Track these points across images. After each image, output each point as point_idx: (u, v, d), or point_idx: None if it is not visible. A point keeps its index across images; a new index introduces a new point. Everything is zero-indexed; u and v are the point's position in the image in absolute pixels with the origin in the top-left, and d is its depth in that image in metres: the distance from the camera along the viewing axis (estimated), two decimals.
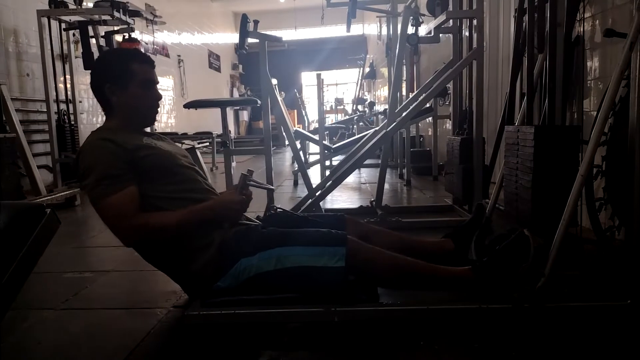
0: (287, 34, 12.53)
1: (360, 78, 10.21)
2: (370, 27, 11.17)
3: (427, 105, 4.16)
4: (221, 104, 2.79)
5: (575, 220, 1.73)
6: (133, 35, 5.60)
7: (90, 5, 4.87)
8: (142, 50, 6.10)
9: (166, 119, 8.47)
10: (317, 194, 2.65)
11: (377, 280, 1.51)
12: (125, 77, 1.49)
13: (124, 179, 1.38)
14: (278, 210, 1.71)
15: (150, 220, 1.40)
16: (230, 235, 1.49)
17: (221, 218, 1.50)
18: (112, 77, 1.49)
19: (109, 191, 1.36)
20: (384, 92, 9.16)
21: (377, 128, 3.32)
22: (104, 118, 1.58)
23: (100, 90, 1.50)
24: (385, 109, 4.55)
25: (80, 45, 4.90)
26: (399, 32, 3.19)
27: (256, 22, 2.67)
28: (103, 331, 1.48)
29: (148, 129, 1.66)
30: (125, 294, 1.82)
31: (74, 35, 5.04)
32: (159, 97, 1.57)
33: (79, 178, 1.44)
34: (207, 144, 5.83)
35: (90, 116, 5.85)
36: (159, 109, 1.59)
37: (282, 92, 6.37)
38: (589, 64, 2.29)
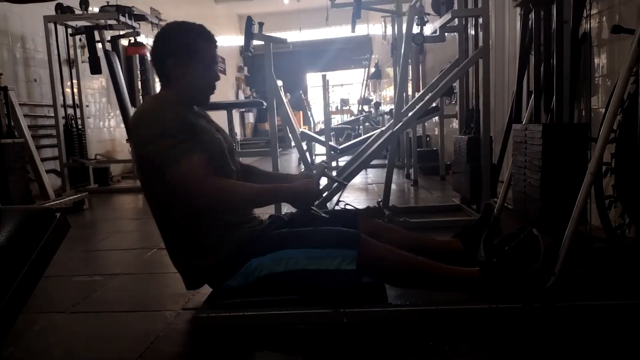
0: (292, 36, 12.54)
1: (365, 78, 10.20)
2: (375, 27, 11.15)
3: (434, 104, 4.14)
4: (227, 106, 2.80)
5: (585, 219, 1.72)
6: (139, 39, 5.64)
7: (96, 10, 4.91)
8: (148, 54, 6.13)
9: None
10: (324, 195, 2.64)
11: (388, 278, 1.50)
12: (190, 54, 1.45)
13: (194, 144, 1.38)
14: (346, 206, 1.70)
15: (233, 184, 1.42)
16: (242, 235, 1.48)
17: (297, 202, 1.49)
18: (177, 52, 1.45)
19: (187, 151, 1.34)
20: (389, 92, 9.14)
21: (383, 128, 3.31)
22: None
23: (162, 62, 1.47)
24: (391, 109, 4.54)
25: (86, 50, 4.95)
26: (404, 31, 3.18)
27: (261, 25, 2.68)
28: (113, 334, 1.48)
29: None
30: (135, 297, 1.82)
31: (80, 40, 5.09)
32: (218, 77, 1.54)
33: (141, 142, 1.39)
34: None
35: (97, 120, 5.88)
36: (214, 90, 1.56)
37: (288, 94, 6.38)
38: (596, 61, 2.27)
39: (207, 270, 1.47)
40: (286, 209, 1.82)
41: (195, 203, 1.37)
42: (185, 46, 1.45)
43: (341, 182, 1.63)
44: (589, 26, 2.26)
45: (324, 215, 1.49)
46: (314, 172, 1.60)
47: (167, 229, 1.50)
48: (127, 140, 5.19)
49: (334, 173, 1.59)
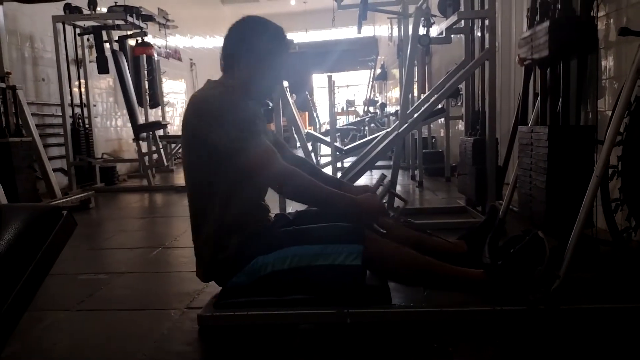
0: (298, 37, 12.57)
1: (371, 79, 10.19)
2: (381, 29, 11.15)
3: (439, 106, 4.13)
4: None
5: (591, 222, 1.71)
6: (146, 39, 5.67)
7: (104, 10, 4.94)
8: (155, 54, 6.16)
9: (178, 122, 8.54)
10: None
11: (392, 275, 1.50)
12: (262, 54, 1.46)
13: (261, 133, 1.42)
14: (404, 221, 1.65)
15: (299, 173, 1.41)
16: (248, 233, 1.48)
17: (360, 216, 1.46)
18: (250, 49, 1.45)
19: (258, 138, 1.37)
20: (395, 93, 9.13)
21: (388, 129, 3.31)
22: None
23: (232, 55, 1.48)
24: (397, 111, 4.54)
25: (94, 49, 4.99)
26: (410, 33, 3.18)
27: None
28: (118, 332, 1.49)
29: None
30: (140, 296, 1.83)
31: (88, 40, 5.12)
32: (281, 81, 1.58)
33: (206, 126, 1.37)
34: None
35: (104, 119, 5.92)
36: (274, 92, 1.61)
37: (293, 94, 6.38)
38: (603, 63, 2.26)
39: (215, 264, 1.47)
40: (291, 207, 1.82)
41: (267, 182, 1.44)
42: (259, 45, 1.46)
43: (404, 200, 1.61)
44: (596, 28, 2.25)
45: (382, 231, 1.48)
46: (378, 188, 1.58)
47: (200, 212, 1.48)
48: (133, 139, 5.21)
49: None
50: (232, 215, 1.44)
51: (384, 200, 1.51)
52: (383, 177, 1.65)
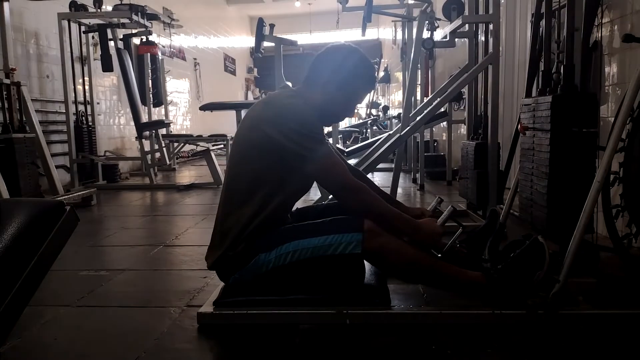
0: (303, 38, 12.59)
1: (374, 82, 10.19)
2: (385, 32, 11.17)
3: (442, 109, 4.14)
4: (236, 107, 2.81)
5: (591, 227, 1.71)
6: (150, 38, 5.69)
7: (109, 8, 4.97)
8: (159, 53, 6.18)
9: (182, 121, 8.56)
10: (330, 196, 2.65)
11: (391, 269, 1.49)
12: (349, 86, 1.54)
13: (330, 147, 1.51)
14: (458, 246, 1.63)
15: (370, 192, 1.46)
16: (255, 229, 1.47)
17: (417, 241, 1.48)
18: (342, 76, 1.52)
19: (329, 151, 1.45)
20: (398, 96, 9.14)
21: (391, 132, 3.32)
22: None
23: (322, 73, 1.53)
24: (399, 113, 4.54)
25: (98, 47, 5.01)
26: (414, 36, 3.19)
27: (272, 26, 2.69)
28: (117, 329, 1.50)
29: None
30: (140, 293, 1.84)
31: (93, 37, 5.15)
32: (352, 115, 1.67)
33: (286, 133, 1.41)
34: (222, 146, 5.90)
35: (108, 117, 5.94)
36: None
37: None
38: (606, 69, 2.27)
39: (223, 258, 1.47)
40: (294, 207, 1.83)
41: (334, 190, 1.50)
42: (352, 76, 1.53)
43: (463, 227, 1.63)
44: (600, 35, 2.26)
45: (438, 255, 1.49)
46: (437, 211, 1.60)
47: (236, 203, 1.49)
48: (136, 138, 5.23)
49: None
50: (266, 217, 1.46)
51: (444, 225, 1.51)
52: (440, 200, 1.68)
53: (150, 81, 6.02)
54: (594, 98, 1.86)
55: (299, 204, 1.72)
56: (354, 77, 1.54)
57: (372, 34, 12.77)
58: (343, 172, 1.45)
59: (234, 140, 1.60)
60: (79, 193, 3.70)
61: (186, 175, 6.03)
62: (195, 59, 9.36)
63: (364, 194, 1.44)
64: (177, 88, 8.44)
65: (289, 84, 1.57)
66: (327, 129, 7.94)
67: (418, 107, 3.23)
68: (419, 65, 4.23)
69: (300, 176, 1.49)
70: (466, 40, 3.05)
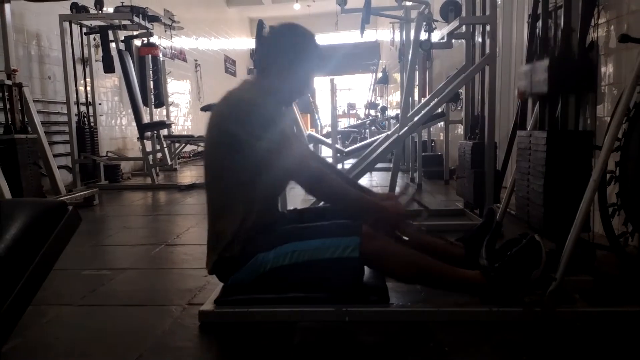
0: None
1: (372, 83, 10.22)
2: (384, 33, 11.17)
3: (439, 110, 4.16)
4: None
5: (588, 226, 1.72)
6: (152, 40, 5.71)
7: (111, 10, 4.98)
8: (160, 54, 6.20)
9: (182, 121, 8.58)
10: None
11: (390, 272, 1.51)
12: (301, 58, 1.53)
13: (291, 136, 1.51)
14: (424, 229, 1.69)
15: (329, 176, 1.48)
16: (248, 230, 1.49)
17: (383, 221, 1.50)
18: (290, 52, 1.52)
19: (287, 141, 1.46)
20: (396, 97, 9.15)
21: (389, 132, 3.34)
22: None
23: (269, 56, 1.54)
24: (397, 114, 4.56)
25: (100, 49, 5.03)
26: (412, 37, 3.21)
27: None
28: (119, 328, 1.52)
29: None
30: (142, 292, 1.85)
31: (94, 39, 5.16)
32: (312, 88, 1.64)
33: (241, 126, 1.43)
34: None
35: (109, 118, 5.96)
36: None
37: None
38: (603, 69, 2.28)
39: (220, 260, 1.49)
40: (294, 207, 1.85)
41: (300, 183, 1.49)
42: (299, 49, 1.53)
43: (426, 208, 1.64)
44: (596, 35, 2.27)
45: (405, 238, 1.50)
46: (401, 194, 1.61)
47: (219, 208, 1.52)
48: (137, 138, 5.25)
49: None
50: (255, 217, 1.47)
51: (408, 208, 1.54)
52: (407, 185, 1.69)
53: (151, 82, 6.04)
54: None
55: (298, 204, 1.74)
56: (304, 48, 1.54)
57: (370, 35, 12.78)
58: (307, 164, 1.47)
59: (205, 139, 1.60)
60: (81, 193, 3.72)
61: (187, 175, 6.05)
62: (196, 60, 9.38)
63: (328, 181, 1.47)
64: (178, 89, 8.46)
65: (249, 77, 1.59)
66: (326, 129, 7.95)
67: (416, 108, 3.25)
68: (416, 66, 4.25)
69: (268, 165, 1.47)
70: (463, 41, 3.07)
